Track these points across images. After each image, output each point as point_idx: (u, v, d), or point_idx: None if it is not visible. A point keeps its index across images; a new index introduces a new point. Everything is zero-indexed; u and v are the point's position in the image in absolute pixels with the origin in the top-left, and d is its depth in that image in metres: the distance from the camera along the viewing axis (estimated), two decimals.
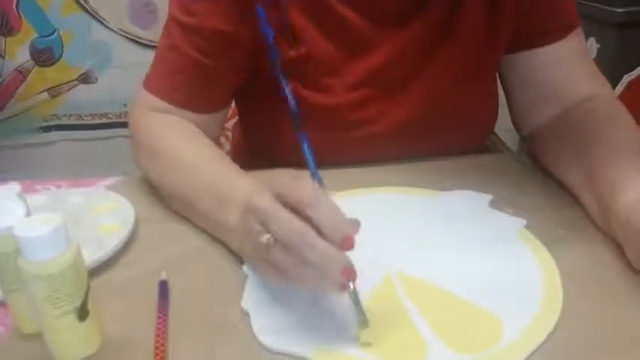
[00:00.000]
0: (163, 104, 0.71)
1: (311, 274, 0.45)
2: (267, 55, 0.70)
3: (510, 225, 0.60)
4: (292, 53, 0.70)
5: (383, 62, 0.72)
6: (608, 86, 0.77)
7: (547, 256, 0.55)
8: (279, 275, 0.47)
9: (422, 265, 0.54)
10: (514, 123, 0.82)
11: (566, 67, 0.75)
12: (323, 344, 0.46)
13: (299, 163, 0.72)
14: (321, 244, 0.44)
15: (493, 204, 0.64)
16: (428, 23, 0.71)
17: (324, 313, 0.49)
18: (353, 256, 0.56)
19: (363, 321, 0.46)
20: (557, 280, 0.52)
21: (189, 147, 0.67)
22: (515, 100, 0.80)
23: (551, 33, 0.74)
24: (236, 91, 0.76)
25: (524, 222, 0.60)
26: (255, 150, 0.86)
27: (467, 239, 0.58)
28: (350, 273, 0.45)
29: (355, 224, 0.46)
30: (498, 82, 0.81)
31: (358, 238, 0.58)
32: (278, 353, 0.46)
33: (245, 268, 0.55)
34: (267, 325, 0.48)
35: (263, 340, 0.46)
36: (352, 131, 0.74)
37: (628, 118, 0.69)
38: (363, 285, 0.51)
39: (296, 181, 0.46)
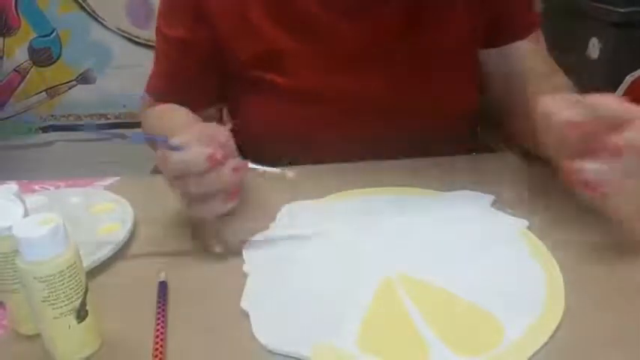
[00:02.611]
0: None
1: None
2: (230, 56, 0.75)
3: (512, 226, 0.60)
4: (256, 50, 0.73)
5: (349, 51, 0.73)
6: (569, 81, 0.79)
7: (549, 258, 0.55)
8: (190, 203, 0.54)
9: (423, 267, 0.54)
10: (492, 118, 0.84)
11: (531, 64, 0.77)
12: (322, 344, 0.45)
13: (291, 155, 0.72)
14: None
15: (494, 204, 0.64)
16: (393, 12, 0.72)
17: (323, 314, 0.49)
18: (353, 256, 0.56)
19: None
20: (560, 281, 0.51)
21: (170, 108, 0.76)
22: (489, 95, 0.82)
23: (513, 32, 0.78)
24: (214, 93, 0.82)
25: (526, 223, 0.60)
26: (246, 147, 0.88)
27: (468, 240, 0.58)
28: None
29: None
30: None
31: (359, 239, 0.58)
32: (277, 353, 0.45)
33: (245, 268, 0.55)
34: (266, 325, 0.48)
35: (262, 340, 0.46)
36: (327, 106, 0.75)
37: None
38: (364, 287, 0.51)
39: None
